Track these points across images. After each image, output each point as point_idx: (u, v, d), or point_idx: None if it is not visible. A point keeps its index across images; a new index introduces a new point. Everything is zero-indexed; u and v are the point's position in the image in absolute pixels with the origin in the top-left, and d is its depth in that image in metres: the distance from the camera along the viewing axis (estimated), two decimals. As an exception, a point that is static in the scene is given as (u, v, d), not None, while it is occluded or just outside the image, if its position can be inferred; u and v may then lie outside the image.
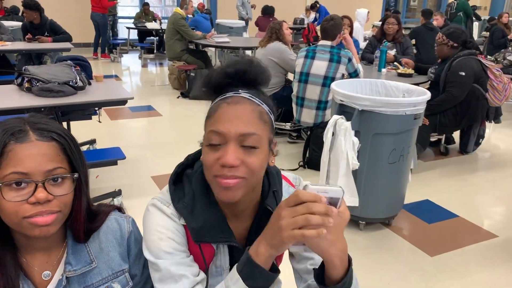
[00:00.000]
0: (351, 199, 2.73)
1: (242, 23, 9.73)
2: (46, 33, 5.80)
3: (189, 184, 1.03)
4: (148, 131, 5.07)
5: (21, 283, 0.90)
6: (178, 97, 6.43)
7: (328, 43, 3.84)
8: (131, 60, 9.64)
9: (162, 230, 0.99)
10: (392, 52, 4.93)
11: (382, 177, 2.80)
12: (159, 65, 9.29)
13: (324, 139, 2.81)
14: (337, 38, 3.90)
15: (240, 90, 0.95)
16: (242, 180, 0.92)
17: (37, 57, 5.72)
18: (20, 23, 6.35)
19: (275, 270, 0.90)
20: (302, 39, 8.89)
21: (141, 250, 1.03)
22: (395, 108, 2.62)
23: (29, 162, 0.84)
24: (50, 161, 0.86)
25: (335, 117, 2.76)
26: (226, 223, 1.01)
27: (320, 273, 0.94)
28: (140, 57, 9.61)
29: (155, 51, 9.79)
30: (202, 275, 1.02)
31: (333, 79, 3.67)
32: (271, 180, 1.06)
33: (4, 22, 6.35)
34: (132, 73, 8.51)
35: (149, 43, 9.89)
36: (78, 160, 0.91)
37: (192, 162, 1.09)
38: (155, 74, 8.56)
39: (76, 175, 0.90)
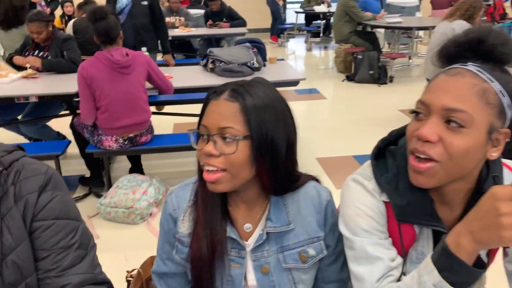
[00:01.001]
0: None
1: (416, 2, 9.02)
2: (224, 19, 6.27)
3: (393, 160, 0.96)
4: (313, 114, 5.10)
5: (228, 228, 0.99)
6: (343, 81, 6.33)
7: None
8: (296, 44, 9.85)
9: (361, 207, 0.95)
10: None
11: None
12: (324, 49, 9.28)
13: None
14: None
15: (469, 63, 0.84)
16: (435, 165, 0.82)
17: (216, 42, 6.24)
18: (202, 11, 6.98)
19: (480, 265, 0.78)
20: (485, 18, 7.86)
21: (337, 223, 1.01)
22: None
23: (210, 117, 0.93)
24: (224, 120, 0.91)
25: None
26: (433, 207, 0.92)
27: None
28: (306, 41, 9.74)
29: (321, 34, 9.80)
30: (399, 260, 0.94)
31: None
32: (491, 164, 0.93)
33: (190, 10, 7.05)
34: (297, 56, 8.69)
35: (316, 26, 9.94)
36: (255, 124, 0.91)
37: (395, 138, 1.01)
38: (319, 58, 8.59)
39: (239, 137, 0.90)
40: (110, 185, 3.10)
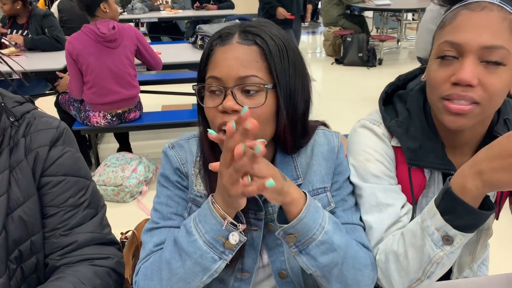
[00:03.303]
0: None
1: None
2: (211, 2, 6.16)
3: (402, 104, 0.93)
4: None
5: None
6: (332, 64, 6.30)
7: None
8: (284, 30, 9.77)
9: (370, 152, 0.92)
10: None
11: None
12: (312, 34, 9.22)
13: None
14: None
15: None
16: (476, 107, 0.78)
17: (203, 24, 6.13)
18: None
19: (487, 206, 0.72)
20: None
21: (346, 165, 0.94)
22: None
23: (223, 66, 0.77)
24: (243, 67, 0.76)
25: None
26: (444, 151, 0.89)
27: None
28: (293, 26, 9.68)
29: (309, 19, 9.74)
30: (408, 207, 0.91)
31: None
32: (502, 107, 0.90)
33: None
34: (285, 41, 8.62)
35: (303, 11, 9.88)
36: (279, 69, 0.79)
37: (403, 82, 0.98)
38: (307, 43, 8.53)
39: (268, 86, 0.77)
40: (98, 165, 3.02)
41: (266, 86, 0.77)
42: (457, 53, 0.78)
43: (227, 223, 0.72)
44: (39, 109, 0.93)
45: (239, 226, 0.73)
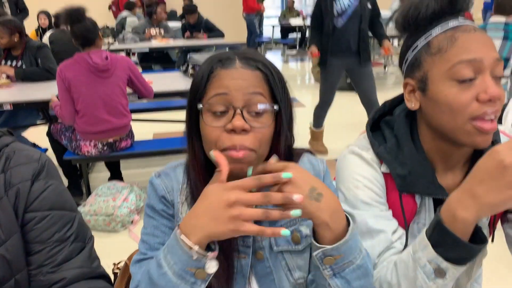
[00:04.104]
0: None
1: (388, 13, 9.27)
2: (202, 31, 6.28)
3: (390, 130, 0.94)
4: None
5: None
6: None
7: (502, 19, 3.37)
8: (273, 57, 9.92)
9: (359, 178, 0.92)
10: None
11: None
12: (300, 61, 9.38)
13: (503, 122, 2.46)
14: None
15: (459, 17, 0.84)
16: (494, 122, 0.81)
17: (194, 53, 6.22)
18: (179, 24, 6.98)
19: (480, 239, 0.72)
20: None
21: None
22: None
23: (230, 84, 0.78)
24: (252, 86, 0.79)
25: (518, 97, 2.38)
26: (434, 175, 0.90)
27: None
28: (282, 54, 9.84)
29: (297, 47, 9.92)
30: (400, 231, 0.91)
31: (507, 60, 3.21)
32: None
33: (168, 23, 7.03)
34: (275, 68, 8.76)
35: (292, 39, 10.07)
36: (281, 93, 0.83)
37: (389, 108, 0.99)
38: (296, 69, 8.67)
39: (276, 107, 0.81)
40: (89, 194, 2.99)
41: (274, 107, 0.81)
42: (475, 72, 0.79)
43: (194, 253, 0.69)
44: (17, 142, 0.90)
45: (208, 254, 0.70)
